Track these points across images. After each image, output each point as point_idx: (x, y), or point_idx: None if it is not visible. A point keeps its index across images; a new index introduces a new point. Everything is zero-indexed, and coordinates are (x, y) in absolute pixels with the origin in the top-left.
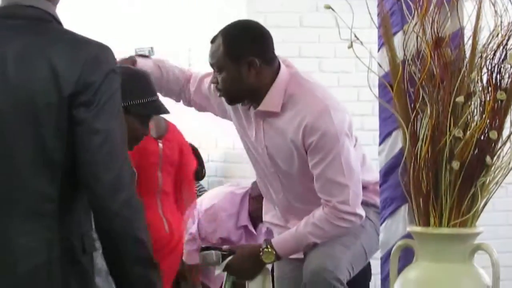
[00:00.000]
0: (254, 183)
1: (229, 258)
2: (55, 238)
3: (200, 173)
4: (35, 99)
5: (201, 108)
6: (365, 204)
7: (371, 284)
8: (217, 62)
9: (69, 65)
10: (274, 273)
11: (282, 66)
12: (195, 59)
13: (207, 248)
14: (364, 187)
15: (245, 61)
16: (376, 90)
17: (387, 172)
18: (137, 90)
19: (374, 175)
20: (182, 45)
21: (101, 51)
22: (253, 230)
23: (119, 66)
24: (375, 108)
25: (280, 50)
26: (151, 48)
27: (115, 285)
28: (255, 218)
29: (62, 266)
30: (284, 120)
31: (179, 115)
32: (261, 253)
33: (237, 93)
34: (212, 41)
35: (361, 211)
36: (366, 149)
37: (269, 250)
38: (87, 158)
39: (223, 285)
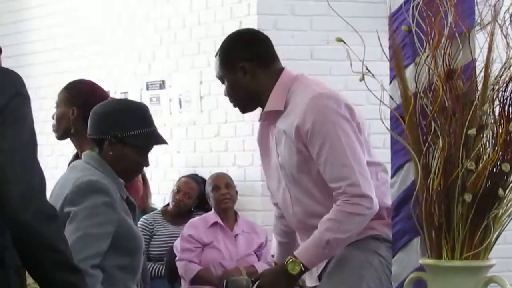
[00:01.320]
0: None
1: (256, 284)
2: None
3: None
4: None
5: None
6: (377, 239)
7: None
8: (218, 74)
9: None
10: None
11: (287, 70)
12: (206, 91)
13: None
14: (379, 218)
15: (238, 68)
16: (387, 123)
17: (399, 204)
18: (133, 121)
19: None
20: (194, 78)
21: (6, 76)
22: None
23: (112, 98)
24: (387, 141)
25: None
26: (163, 81)
27: None
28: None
29: None
30: (287, 117)
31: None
32: (286, 266)
33: (242, 99)
34: (216, 55)
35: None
36: None
37: (293, 260)
38: None
39: None
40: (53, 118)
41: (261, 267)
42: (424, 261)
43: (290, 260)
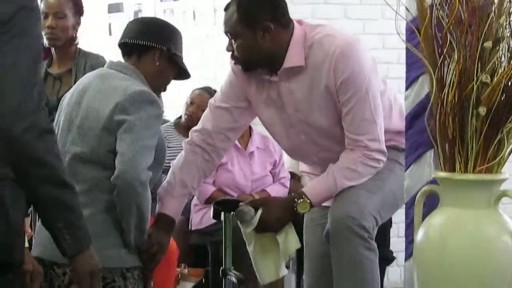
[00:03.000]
0: None
1: (259, 212)
2: None
3: None
4: None
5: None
6: (396, 149)
7: (395, 230)
8: (231, 30)
9: None
10: (304, 220)
11: (296, 25)
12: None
13: (223, 202)
14: (398, 132)
15: (260, 27)
16: (403, 36)
17: (413, 117)
18: (180, 43)
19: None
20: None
21: None
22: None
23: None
24: (401, 56)
25: None
26: None
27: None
28: None
29: None
30: (311, 71)
31: None
32: (295, 205)
33: (254, 59)
34: (226, 9)
35: (385, 147)
36: None
37: (304, 200)
38: None
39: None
40: (51, 28)
41: (273, 191)
42: (437, 174)
43: (301, 200)
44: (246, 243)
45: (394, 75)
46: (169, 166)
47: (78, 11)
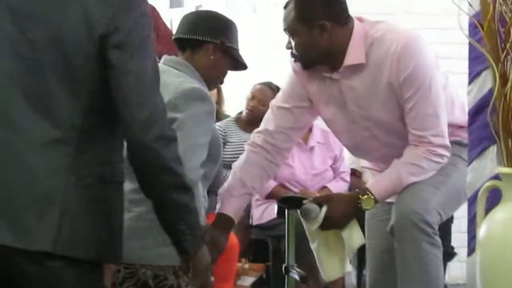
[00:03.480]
0: None
1: (323, 209)
2: (73, 163)
3: None
4: (67, 35)
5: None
6: (459, 144)
7: (457, 225)
8: (289, 27)
9: (101, 6)
10: (365, 216)
11: (356, 22)
12: None
13: (287, 199)
14: (460, 127)
15: (316, 25)
16: (466, 32)
17: (476, 112)
18: (235, 35)
19: (466, 116)
20: None
21: None
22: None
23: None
24: (462, 51)
25: None
26: None
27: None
28: None
29: (78, 190)
30: (373, 67)
31: None
32: (360, 201)
33: (313, 57)
34: (285, 7)
35: (448, 142)
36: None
37: (369, 196)
38: (121, 98)
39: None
40: None
41: (335, 187)
42: (500, 170)
43: (366, 196)
44: (310, 240)
45: (456, 70)
46: (233, 161)
47: None
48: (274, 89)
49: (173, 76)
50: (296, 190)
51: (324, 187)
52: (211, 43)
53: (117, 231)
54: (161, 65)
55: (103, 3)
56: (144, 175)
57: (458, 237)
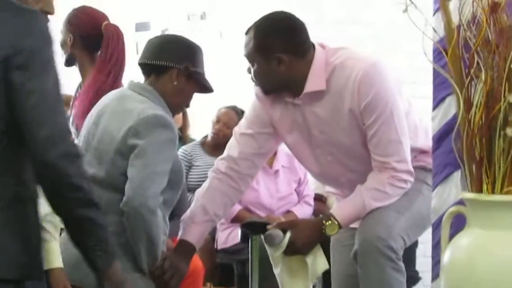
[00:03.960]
0: None
1: (287, 235)
2: None
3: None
4: None
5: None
6: (423, 169)
7: (422, 250)
8: (248, 55)
9: (2, 30)
10: (330, 241)
11: (317, 48)
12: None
13: (251, 224)
14: (423, 152)
15: (274, 57)
16: (430, 57)
17: (440, 138)
18: (200, 59)
19: (430, 141)
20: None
21: (33, 17)
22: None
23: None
24: (427, 76)
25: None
26: (204, 12)
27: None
28: None
29: None
30: (334, 94)
31: None
32: (324, 227)
33: (271, 85)
34: (246, 33)
35: (412, 169)
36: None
37: (332, 221)
38: (23, 118)
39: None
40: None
41: (299, 211)
42: (464, 195)
43: (330, 222)
44: (273, 265)
45: (420, 94)
46: (198, 185)
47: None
48: (239, 113)
49: (137, 102)
50: (261, 213)
51: (289, 211)
52: (175, 68)
53: (37, 248)
54: (125, 90)
55: (4, 26)
56: (50, 193)
57: (423, 262)
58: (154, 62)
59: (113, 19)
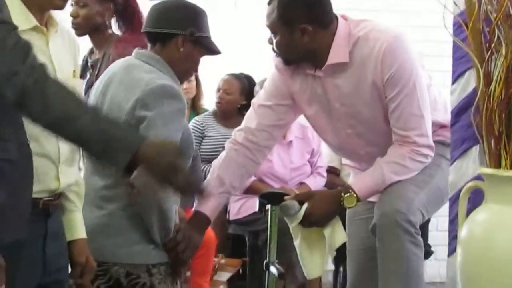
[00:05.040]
0: None
1: (304, 206)
2: None
3: None
4: None
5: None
6: (442, 143)
7: (434, 224)
8: (271, 26)
9: None
10: (346, 214)
11: (340, 20)
12: None
13: (269, 195)
14: (442, 126)
15: (298, 28)
16: (450, 30)
17: (459, 112)
18: (204, 23)
19: (449, 115)
20: None
21: None
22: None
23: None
24: (446, 50)
25: None
26: None
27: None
28: None
29: None
30: (357, 66)
31: None
32: (342, 199)
33: (294, 56)
34: (269, 3)
35: (432, 142)
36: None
37: (351, 194)
38: None
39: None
40: (73, 17)
41: (313, 182)
42: (482, 170)
43: (348, 194)
44: (293, 237)
45: (438, 68)
46: (211, 156)
47: None
48: (242, 78)
49: (144, 72)
50: (275, 184)
51: (302, 183)
52: (180, 35)
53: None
54: (132, 59)
55: None
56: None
57: (435, 236)
58: (158, 30)
59: None
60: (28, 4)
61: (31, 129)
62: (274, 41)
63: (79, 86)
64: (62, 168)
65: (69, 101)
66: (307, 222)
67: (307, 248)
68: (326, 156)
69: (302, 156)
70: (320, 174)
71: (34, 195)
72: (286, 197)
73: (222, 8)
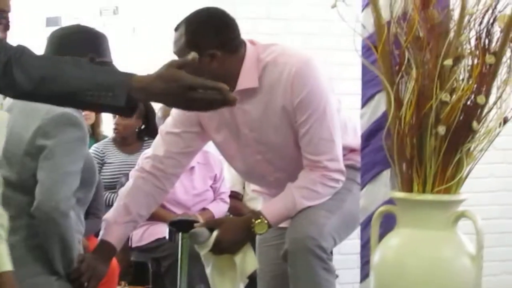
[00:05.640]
0: None
1: (214, 234)
2: None
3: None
4: None
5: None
6: (353, 168)
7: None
8: (178, 52)
9: None
10: (256, 241)
11: (248, 45)
12: (161, 19)
13: (178, 222)
14: (352, 150)
15: (205, 54)
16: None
17: (369, 136)
18: (106, 49)
19: (359, 139)
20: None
21: None
22: None
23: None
24: (355, 72)
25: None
26: (116, 7)
27: None
28: None
29: None
30: (267, 91)
31: None
32: (253, 225)
33: None
34: (176, 29)
35: (344, 168)
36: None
37: (262, 220)
38: None
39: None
40: None
41: (215, 208)
42: (394, 194)
43: (259, 220)
44: (204, 264)
45: (348, 91)
46: (111, 182)
47: None
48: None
49: None
50: (177, 210)
51: (205, 209)
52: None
53: None
54: None
55: None
56: None
57: (339, 259)
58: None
59: (23, 13)
60: None
61: None
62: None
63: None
64: None
65: (47, 60)
66: (218, 249)
67: (218, 276)
68: (228, 180)
69: (204, 182)
70: (223, 200)
71: None
72: (195, 224)
73: (120, 34)
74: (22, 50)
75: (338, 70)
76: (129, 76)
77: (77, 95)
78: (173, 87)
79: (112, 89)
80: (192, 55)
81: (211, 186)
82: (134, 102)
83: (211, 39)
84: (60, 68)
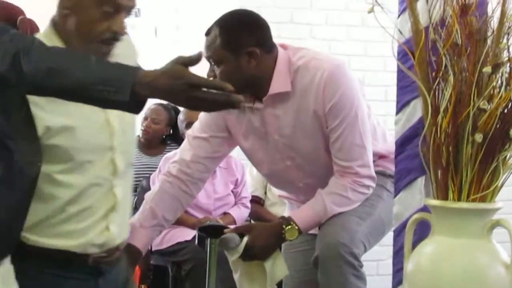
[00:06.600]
0: None
1: (244, 240)
2: None
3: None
4: None
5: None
6: (382, 174)
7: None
8: (214, 55)
9: None
10: (283, 246)
11: (279, 49)
12: (182, 20)
13: (208, 228)
14: (382, 157)
15: (244, 52)
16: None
17: (404, 142)
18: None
19: (390, 145)
20: (169, 6)
21: None
22: None
23: None
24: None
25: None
26: (138, 9)
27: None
28: None
29: None
30: (299, 96)
31: None
32: (284, 231)
33: (238, 85)
34: (207, 33)
35: (374, 174)
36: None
37: (292, 226)
38: None
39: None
40: None
41: (237, 213)
42: (429, 202)
43: (290, 226)
44: (233, 270)
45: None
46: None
47: None
48: (170, 109)
49: None
50: (198, 214)
51: (226, 214)
52: None
53: None
54: None
55: None
56: None
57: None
58: None
59: (31, 15)
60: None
61: None
62: (217, 71)
63: None
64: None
65: (56, 52)
66: (248, 255)
67: (247, 282)
68: (250, 185)
69: (226, 186)
70: (244, 205)
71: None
72: (225, 230)
73: (142, 36)
74: (31, 41)
75: (361, 76)
76: (135, 70)
77: (84, 89)
78: (177, 84)
79: (116, 83)
80: (198, 52)
81: (232, 191)
82: (139, 98)
83: (248, 37)
84: (67, 61)
